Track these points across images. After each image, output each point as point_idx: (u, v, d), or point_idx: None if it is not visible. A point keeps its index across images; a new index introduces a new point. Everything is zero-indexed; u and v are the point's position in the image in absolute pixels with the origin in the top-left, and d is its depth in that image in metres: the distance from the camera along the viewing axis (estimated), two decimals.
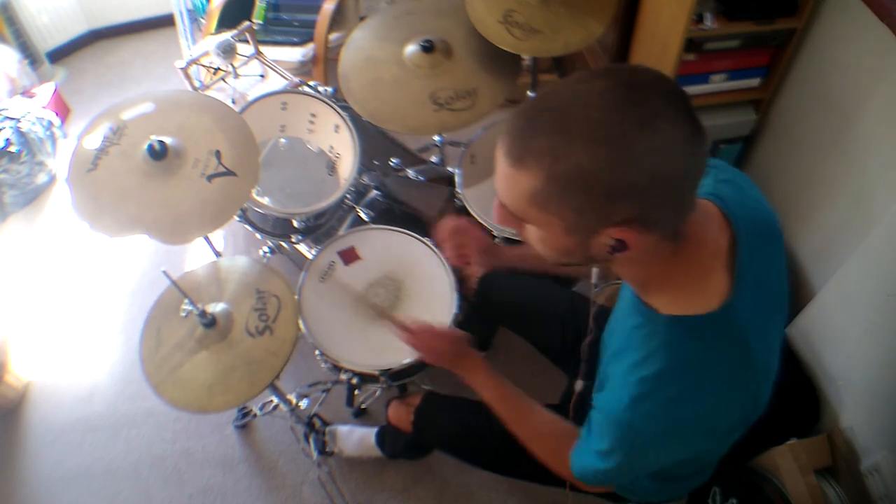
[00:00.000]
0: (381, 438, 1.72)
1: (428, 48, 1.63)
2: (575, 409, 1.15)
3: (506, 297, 1.50)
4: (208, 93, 1.97)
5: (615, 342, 0.91)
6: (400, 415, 1.47)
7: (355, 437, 1.77)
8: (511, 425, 1.08)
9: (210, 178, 1.34)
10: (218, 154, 1.37)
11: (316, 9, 2.32)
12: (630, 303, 0.88)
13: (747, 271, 0.81)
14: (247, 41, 1.96)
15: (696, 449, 0.85)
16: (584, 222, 0.71)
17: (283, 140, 1.78)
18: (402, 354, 1.39)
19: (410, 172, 1.79)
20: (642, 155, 0.65)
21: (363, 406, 1.90)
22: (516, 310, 1.49)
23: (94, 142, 1.38)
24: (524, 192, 0.70)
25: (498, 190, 0.75)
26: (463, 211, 1.67)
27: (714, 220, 0.83)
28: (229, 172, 1.35)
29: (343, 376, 1.46)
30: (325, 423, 1.80)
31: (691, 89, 1.87)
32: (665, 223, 0.73)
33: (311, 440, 1.72)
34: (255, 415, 1.89)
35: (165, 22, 3.01)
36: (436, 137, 2.17)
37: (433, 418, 1.40)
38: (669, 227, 0.74)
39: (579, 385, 1.14)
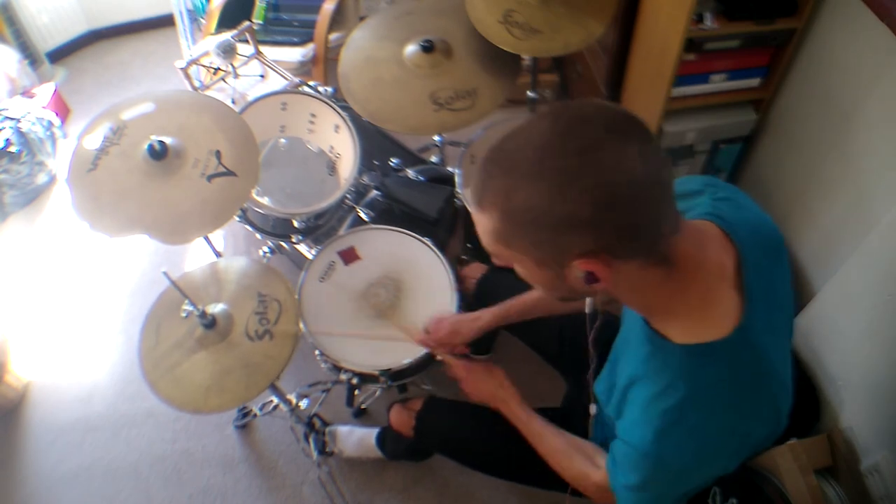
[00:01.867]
0: (382, 440, 1.72)
1: (428, 48, 1.63)
2: (594, 429, 1.16)
3: (504, 298, 1.50)
4: (208, 93, 1.97)
5: (629, 367, 0.90)
6: (402, 419, 1.47)
7: (355, 438, 1.77)
8: (539, 450, 1.13)
9: (210, 178, 1.34)
10: (218, 154, 1.37)
11: (316, 9, 2.32)
12: (640, 328, 0.87)
13: (756, 288, 0.80)
14: (247, 41, 1.96)
15: (725, 469, 0.85)
16: (549, 256, 0.73)
17: (283, 140, 1.78)
18: (403, 354, 1.39)
19: (410, 172, 1.79)
20: (583, 187, 0.66)
21: (363, 406, 1.90)
22: None
23: (94, 142, 1.38)
24: (489, 232, 0.74)
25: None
26: (463, 211, 1.67)
27: (715, 241, 0.82)
28: (229, 172, 1.35)
29: (343, 376, 1.46)
30: (325, 424, 1.80)
31: (691, 89, 1.87)
32: (636, 249, 0.72)
33: (311, 440, 1.72)
34: (255, 415, 1.89)
35: (165, 22, 3.01)
36: (436, 137, 2.17)
37: (435, 423, 1.40)
38: (646, 252, 0.73)
39: (594, 409, 1.14)
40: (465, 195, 1.65)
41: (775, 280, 0.86)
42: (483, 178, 0.73)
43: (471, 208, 0.78)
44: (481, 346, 1.93)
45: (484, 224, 0.74)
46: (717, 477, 0.87)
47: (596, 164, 0.66)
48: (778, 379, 0.82)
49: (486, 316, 1.33)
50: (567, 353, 1.38)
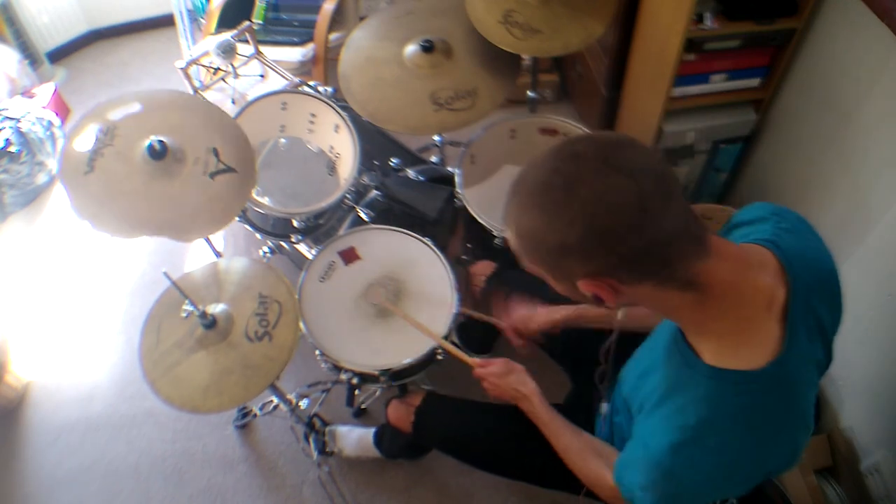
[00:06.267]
0: (379, 438, 1.72)
1: (428, 48, 1.63)
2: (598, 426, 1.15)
3: (513, 297, 1.50)
4: (208, 93, 1.97)
5: (662, 370, 0.89)
6: (400, 414, 1.47)
7: (355, 437, 1.77)
8: (557, 449, 1.13)
9: (213, 175, 1.35)
10: (215, 151, 1.37)
11: (316, 9, 2.32)
12: (673, 336, 0.87)
13: (801, 326, 0.79)
14: (247, 41, 1.96)
15: (732, 493, 0.85)
16: (559, 274, 0.78)
17: (283, 140, 1.78)
18: (402, 354, 1.39)
19: (410, 172, 1.79)
20: (567, 219, 0.71)
21: (363, 406, 1.90)
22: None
23: (85, 144, 1.37)
24: (512, 245, 0.80)
25: None
26: (463, 211, 1.67)
27: (768, 269, 0.81)
28: (229, 169, 1.36)
29: (343, 376, 1.46)
30: (325, 423, 1.80)
31: (691, 89, 1.87)
32: (643, 273, 0.74)
33: (311, 440, 1.73)
34: (255, 415, 1.89)
35: (165, 22, 3.01)
36: (436, 137, 2.17)
37: (434, 419, 1.40)
38: (656, 276, 0.74)
39: (605, 409, 1.14)
40: (466, 195, 1.65)
41: (825, 314, 0.84)
42: (508, 196, 0.79)
43: None
44: (482, 344, 1.93)
45: (509, 237, 0.80)
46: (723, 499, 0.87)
47: (578, 198, 0.70)
48: (803, 418, 0.81)
49: (562, 311, 1.33)
50: (573, 350, 1.38)
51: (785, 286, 0.80)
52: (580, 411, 1.28)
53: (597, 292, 0.76)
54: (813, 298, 0.82)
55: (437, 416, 1.40)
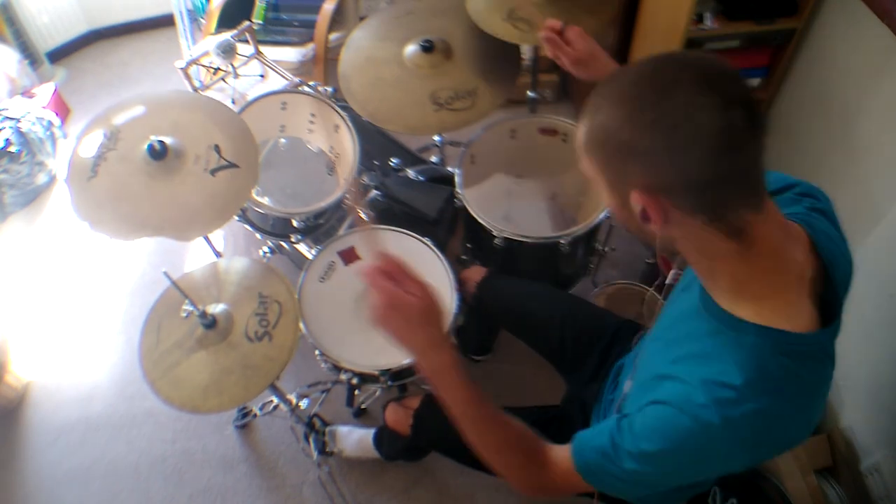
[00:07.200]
0: (379, 440, 1.72)
1: (428, 48, 1.63)
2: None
3: (504, 300, 1.50)
4: (208, 93, 1.97)
5: (684, 345, 0.86)
6: (398, 417, 1.47)
7: (355, 438, 1.77)
8: (475, 433, 0.93)
9: (213, 171, 1.35)
10: (217, 148, 1.37)
11: (316, 9, 2.32)
12: (697, 304, 0.85)
13: (835, 305, 0.80)
14: (247, 41, 1.96)
15: (744, 463, 0.81)
16: (615, 179, 0.76)
17: (283, 140, 1.78)
18: (402, 354, 1.39)
19: (410, 172, 1.79)
20: (647, 119, 0.69)
21: (363, 406, 1.90)
22: (514, 313, 1.49)
23: (89, 149, 1.37)
24: (579, 144, 0.79)
25: None
26: (463, 211, 1.67)
27: (801, 245, 0.81)
28: (231, 165, 1.36)
29: (343, 376, 1.46)
30: (325, 424, 1.80)
31: None
32: (697, 204, 0.72)
33: (311, 440, 1.72)
34: (255, 415, 1.89)
35: (165, 22, 3.01)
36: (436, 137, 2.17)
37: (433, 421, 1.40)
38: (710, 212, 0.73)
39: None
40: (466, 195, 1.65)
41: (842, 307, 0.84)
42: (596, 88, 0.78)
43: None
44: (481, 346, 1.93)
45: (578, 136, 0.79)
46: (719, 474, 0.85)
47: (668, 103, 0.69)
48: (823, 399, 0.81)
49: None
50: (568, 352, 1.38)
51: (813, 266, 0.80)
52: (577, 413, 1.28)
53: (647, 207, 0.73)
54: (840, 284, 0.82)
55: (436, 419, 1.39)
